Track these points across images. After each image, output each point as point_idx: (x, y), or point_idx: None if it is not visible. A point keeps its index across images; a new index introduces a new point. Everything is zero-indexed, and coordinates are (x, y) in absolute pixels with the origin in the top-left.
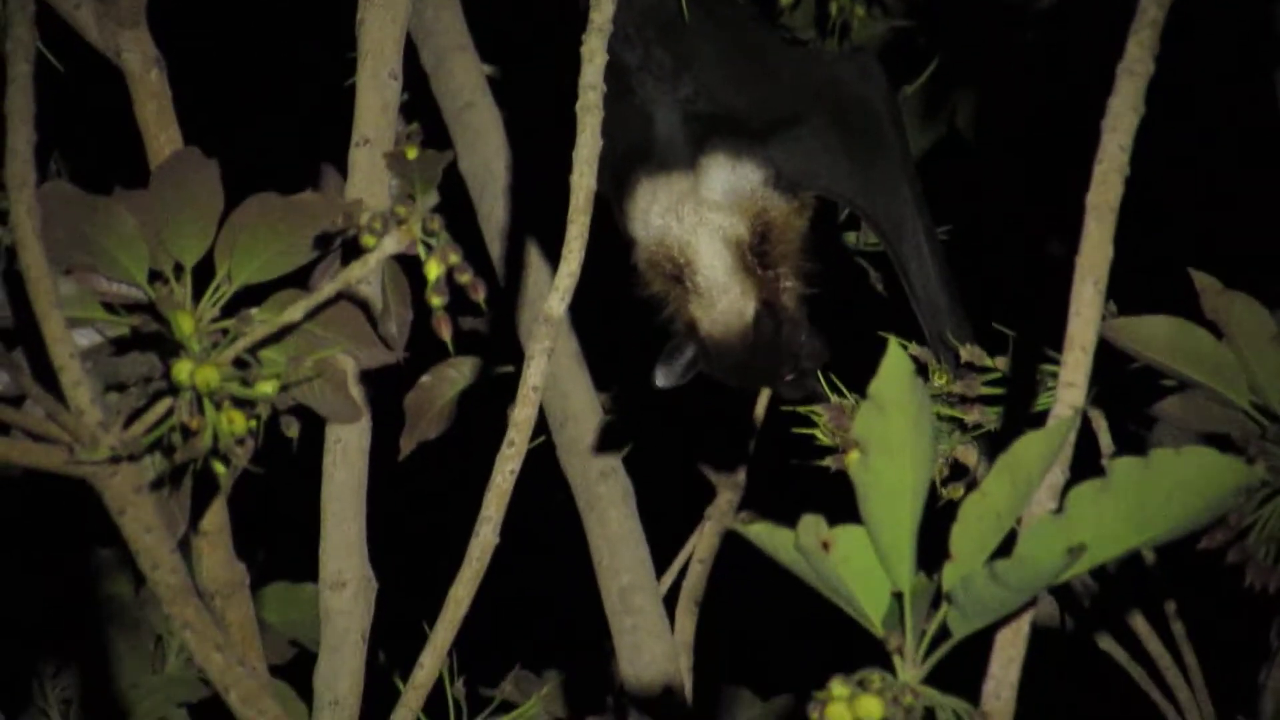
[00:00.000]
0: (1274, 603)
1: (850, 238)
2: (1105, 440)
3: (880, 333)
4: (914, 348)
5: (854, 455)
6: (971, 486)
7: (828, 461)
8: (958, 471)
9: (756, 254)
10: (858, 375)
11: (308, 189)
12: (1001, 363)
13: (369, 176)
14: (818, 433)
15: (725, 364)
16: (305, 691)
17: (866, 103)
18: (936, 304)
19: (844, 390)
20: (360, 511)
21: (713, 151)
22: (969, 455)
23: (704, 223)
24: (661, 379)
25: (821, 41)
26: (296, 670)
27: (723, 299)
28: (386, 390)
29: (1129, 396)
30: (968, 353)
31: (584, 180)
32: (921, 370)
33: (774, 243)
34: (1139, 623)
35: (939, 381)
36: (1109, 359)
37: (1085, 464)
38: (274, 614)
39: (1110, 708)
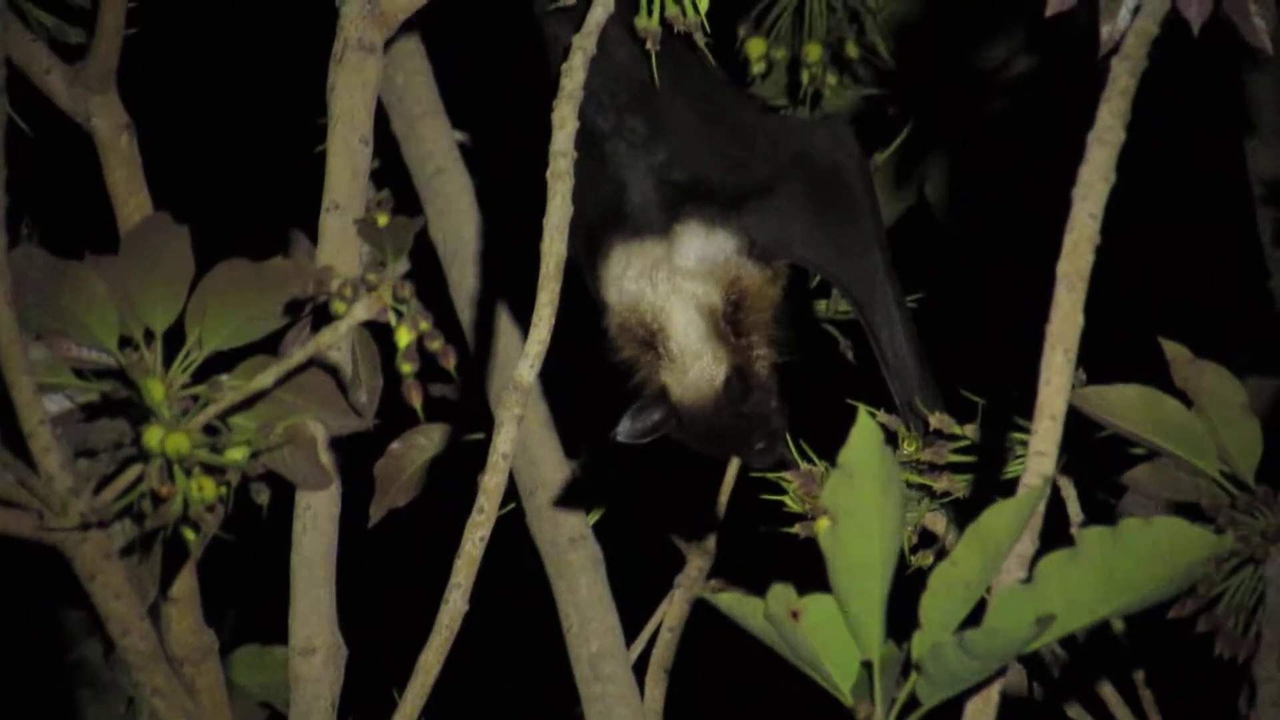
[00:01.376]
0: (1242, 672)
1: (821, 305)
2: (1074, 509)
3: (850, 401)
4: (883, 415)
5: (823, 523)
6: (941, 554)
7: (796, 529)
8: (927, 539)
9: (729, 322)
10: (827, 443)
11: (278, 255)
12: (970, 430)
13: (339, 242)
14: (787, 500)
15: (695, 430)
16: None
17: (839, 170)
18: (906, 371)
19: (813, 457)
20: (330, 578)
21: (686, 218)
22: (938, 523)
23: (677, 290)
24: (624, 433)
25: (794, 109)
26: None
27: (694, 366)
28: (357, 456)
29: (1098, 465)
30: (936, 420)
31: (554, 247)
32: (891, 438)
33: (746, 311)
34: (1107, 691)
35: (909, 449)
36: (1079, 427)
37: (1054, 532)
38: (245, 677)
39: None
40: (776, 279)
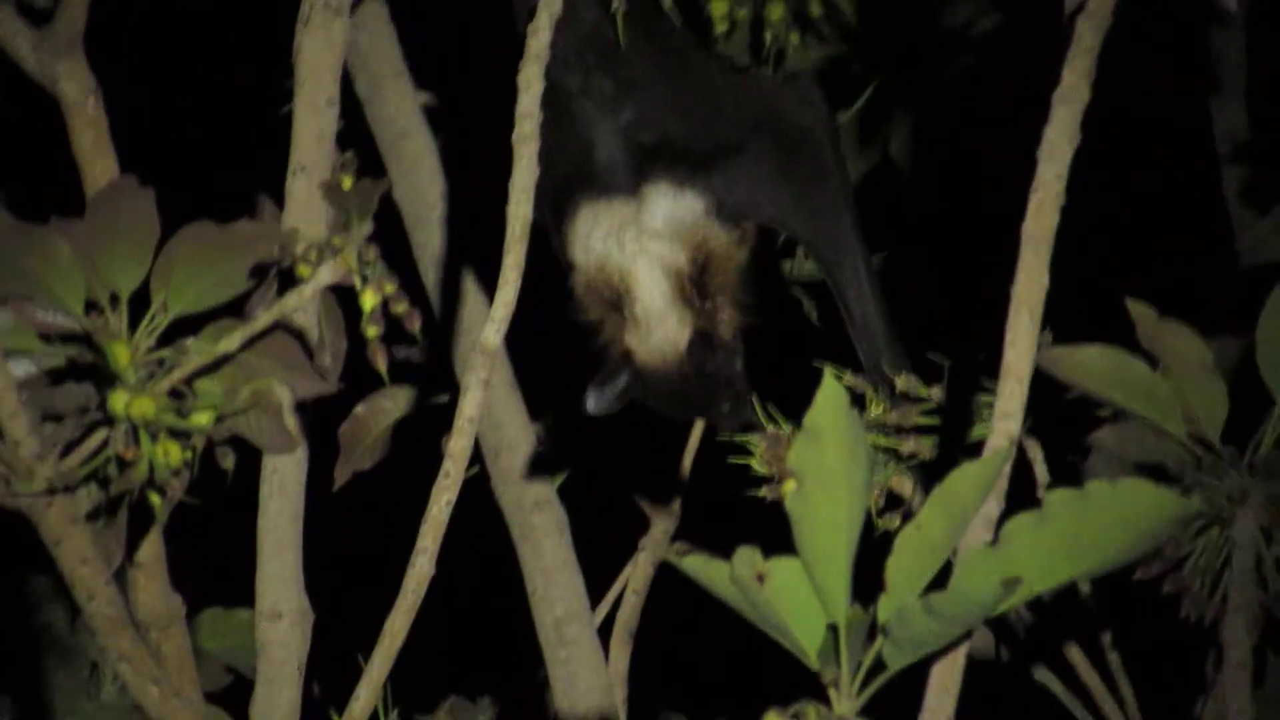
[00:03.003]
0: (1209, 633)
1: (785, 266)
2: (1041, 471)
3: (816, 362)
4: (849, 377)
5: (789, 484)
6: (907, 517)
7: (763, 491)
8: (893, 502)
9: (695, 284)
10: (793, 405)
11: (244, 218)
12: (937, 393)
13: (306, 205)
14: (753, 462)
15: (659, 393)
16: (241, 718)
17: (807, 129)
18: (874, 332)
19: (779, 420)
20: (296, 542)
21: (655, 179)
22: (905, 485)
23: (644, 251)
24: (593, 404)
25: (757, 69)
26: (234, 697)
27: (659, 328)
28: (323, 420)
29: (1064, 426)
30: (903, 382)
31: (520, 210)
32: (858, 400)
33: (713, 273)
34: (1074, 654)
35: (875, 411)
36: (1045, 388)
37: (1021, 495)
38: (209, 641)
39: None
40: (744, 241)
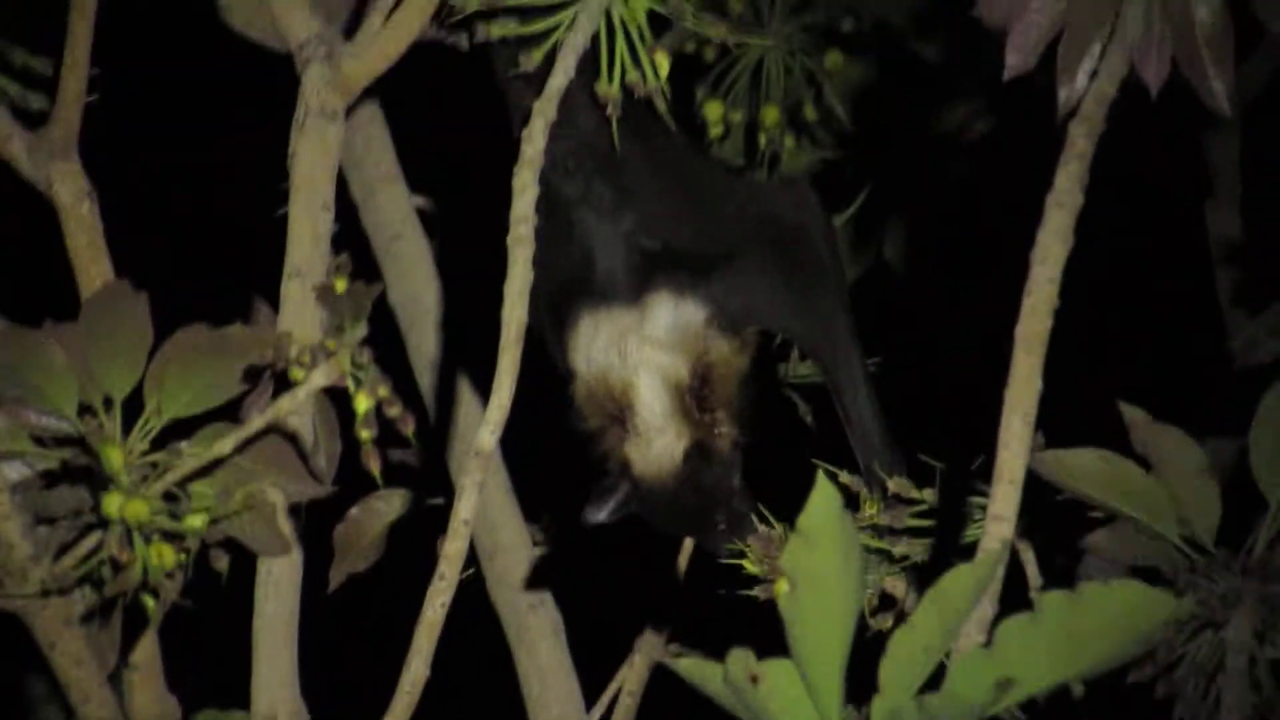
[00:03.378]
0: None
1: (781, 370)
2: (1033, 572)
3: (811, 461)
4: (844, 476)
5: (781, 584)
6: (900, 618)
7: (756, 591)
8: (887, 602)
9: (695, 395)
10: (786, 505)
11: (238, 322)
12: (929, 494)
13: (301, 308)
14: (746, 563)
15: (656, 506)
16: None
17: (803, 230)
18: (869, 433)
19: (771, 520)
20: (292, 644)
21: (656, 288)
22: (898, 586)
23: (646, 361)
24: (591, 516)
25: (752, 171)
26: None
27: (658, 439)
28: (318, 522)
29: (1057, 529)
30: (895, 484)
31: (515, 313)
32: (852, 499)
33: (713, 384)
34: None
35: (869, 511)
36: (1037, 490)
37: (1013, 597)
38: None
39: None
40: (745, 349)
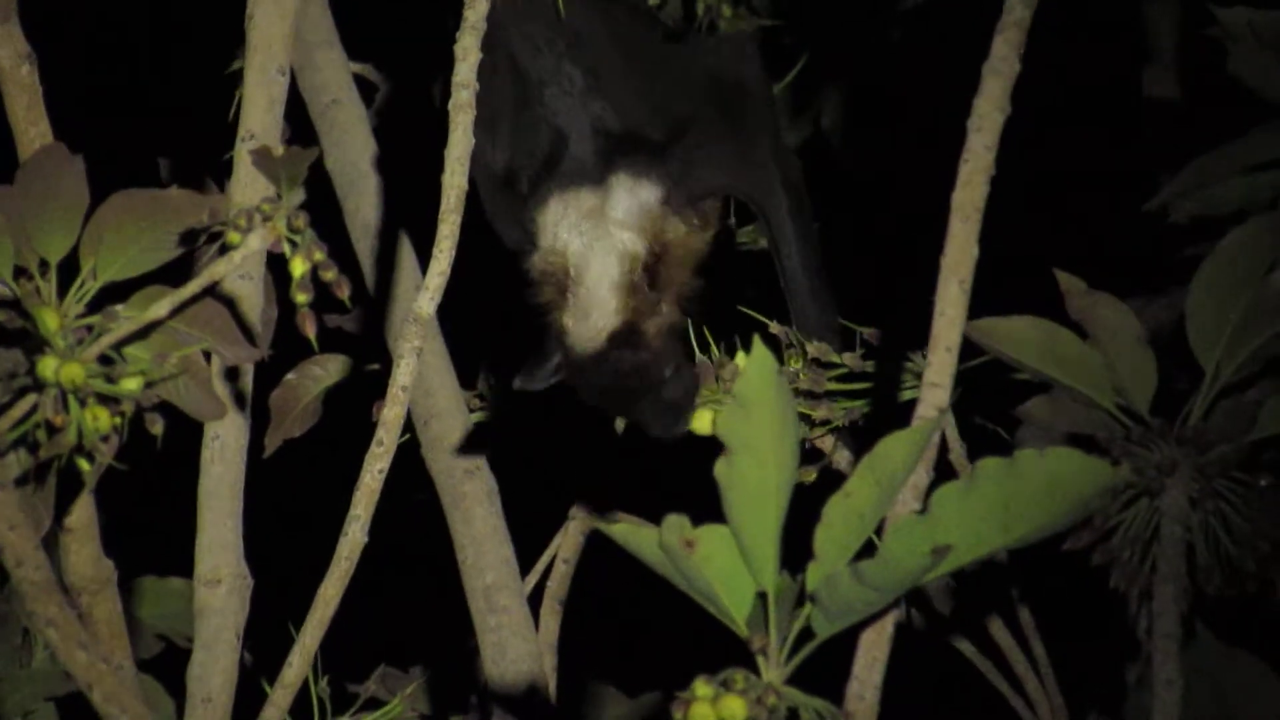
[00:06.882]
0: (1141, 601)
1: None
2: (953, 437)
3: (743, 309)
4: (774, 326)
5: (704, 416)
6: (826, 471)
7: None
8: (810, 456)
9: (648, 273)
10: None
11: (176, 185)
12: (851, 359)
13: (254, 172)
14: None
15: (581, 378)
16: (173, 686)
17: (742, 86)
18: (800, 290)
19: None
20: (237, 509)
21: (617, 170)
22: (825, 441)
23: (605, 238)
24: (522, 382)
25: (695, 33)
26: (166, 665)
27: (594, 313)
28: (265, 389)
29: (991, 397)
30: (814, 348)
31: (455, 180)
32: (779, 352)
33: (668, 264)
34: (995, 625)
35: (793, 366)
36: (972, 358)
37: (945, 467)
38: (143, 609)
39: (967, 703)
40: (704, 227)
